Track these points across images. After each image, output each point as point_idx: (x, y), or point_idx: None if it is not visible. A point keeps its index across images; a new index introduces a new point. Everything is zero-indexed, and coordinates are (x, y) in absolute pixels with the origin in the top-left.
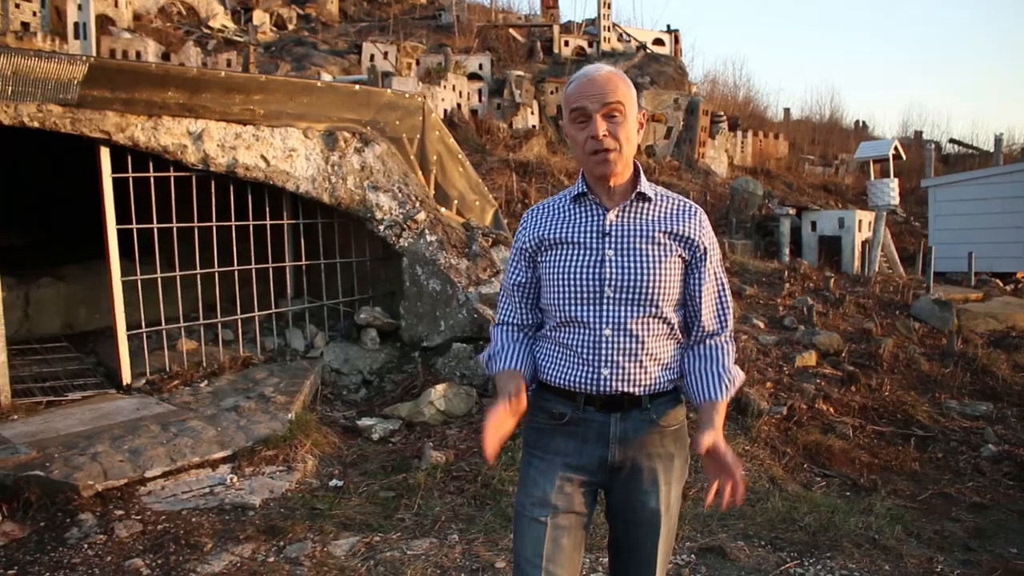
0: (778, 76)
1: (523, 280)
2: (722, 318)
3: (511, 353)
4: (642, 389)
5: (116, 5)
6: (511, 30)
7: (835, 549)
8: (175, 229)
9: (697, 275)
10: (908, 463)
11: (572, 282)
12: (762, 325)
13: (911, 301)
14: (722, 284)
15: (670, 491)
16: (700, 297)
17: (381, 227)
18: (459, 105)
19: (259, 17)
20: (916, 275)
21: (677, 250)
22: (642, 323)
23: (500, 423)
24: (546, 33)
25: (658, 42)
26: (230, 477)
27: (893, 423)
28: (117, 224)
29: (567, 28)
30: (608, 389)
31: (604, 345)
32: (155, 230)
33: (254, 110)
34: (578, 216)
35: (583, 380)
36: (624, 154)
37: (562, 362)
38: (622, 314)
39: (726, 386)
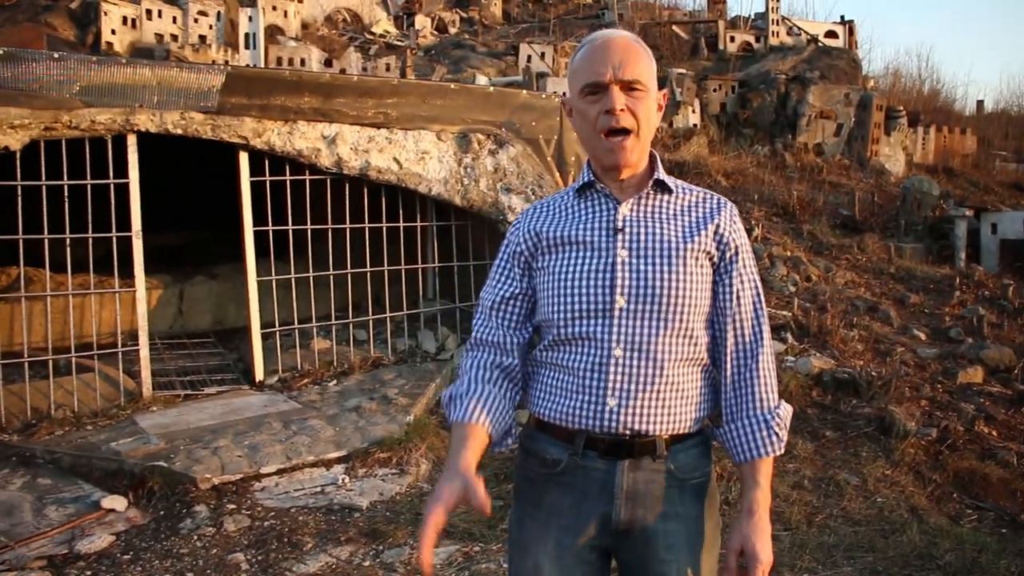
0: (969, 66)
1: (515, 291)
2: (759, 331)
3: (480, 396)
4: (659, 428)
5: (285, 15)
6: (674, 27)
7: None
8: (309, 231)
9: (729, 279)
10: None
11: (576, 290)
12: (923, 336)
13: None
14: (758, 290)
15: (698, 561)
16: (734, 305)
17: None
18: None
19: (420, 21)
20: None
21: (706, 250)
22: (662, 342)
23: (441, 518)
24: (711, 29)
25: (831, 35)
26: (342, 477)
27: None
28: (255, 226)
29: (733, 23)
30: (615, 426)
31: (613, 368)
32: (290, 232)
33: (387, 113)
34: (583, 210)
35: (583, 413)
36: (642, 138)
37: (558, 390)
38: (637, 330)
39: (776, 436)
